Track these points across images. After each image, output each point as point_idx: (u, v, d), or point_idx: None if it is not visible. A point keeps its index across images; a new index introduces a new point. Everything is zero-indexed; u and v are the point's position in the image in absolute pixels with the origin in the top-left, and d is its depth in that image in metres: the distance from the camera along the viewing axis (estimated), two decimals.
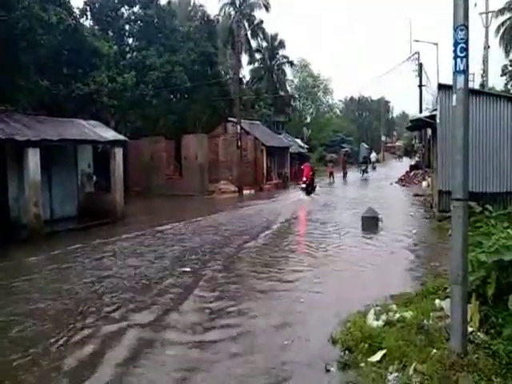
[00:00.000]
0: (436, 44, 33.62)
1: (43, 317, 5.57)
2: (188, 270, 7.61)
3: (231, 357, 4.32)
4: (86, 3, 24.12)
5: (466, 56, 3.62)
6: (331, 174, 27.27)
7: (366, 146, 60.69)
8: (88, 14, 24.17)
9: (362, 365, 3.82)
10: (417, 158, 33.99)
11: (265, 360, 4.23)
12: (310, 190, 19.24)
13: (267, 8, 39.01)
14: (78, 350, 4.57)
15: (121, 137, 14.68)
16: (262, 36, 41.06)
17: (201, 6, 33.86)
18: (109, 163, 13.80)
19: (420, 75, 28.48)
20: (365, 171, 32.08)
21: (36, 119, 12.72)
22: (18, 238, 10.85)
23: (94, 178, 15.20)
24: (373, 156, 40.06)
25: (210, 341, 4.70)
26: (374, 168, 36.84)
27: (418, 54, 29.42)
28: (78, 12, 21.00)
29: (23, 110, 15.73)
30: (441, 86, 11.09)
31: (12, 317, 5.57)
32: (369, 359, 3.87)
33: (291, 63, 43.74)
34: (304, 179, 19.25)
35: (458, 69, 3.68)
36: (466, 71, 3.64)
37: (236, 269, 7.78)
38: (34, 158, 10.99)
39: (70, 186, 14.05)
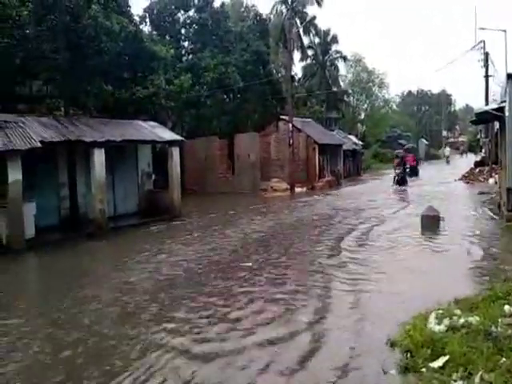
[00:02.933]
0: (504, 31, 30.89)
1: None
2: None
3: None
4: (145, 10, 25.35)
5: None
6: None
7: (426, 142, 57.96)
8: (147, 20, 25.39)
9: (423, 370, 3.67)
10: (482, 154, 31.68)
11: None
12: (412, 174, 25.60)
13: (319, 3, 38.41)
14: None
15: (178, 137, 15.24)
16: (314, 32, 40.51)
17: (253, 6, 34.36)
18: (166, 162, 14.40)
19: (486, 65, 26.50)
20: (400, 179, 21.77)
21: (101, 121, 13.59)
22: (86, 232, 11.69)
23: (153, 176, 15.93)
24: (447, 150, 44.96)
25: None
26: (447, 162, 40.38)
27: (484, 42, 27.39)
28: (137, 19, 22.15)
29: (89, 113, 16.91)
30: (510, 76, 10.28)
31: None
32: (430, 364, 3.70)
33: (344, 58, 42.73)
34: (408, 165, 25.23)
35: None
36: None
37: None
38: (99, 158, 11.76)
39: (131, 184, 14.86)
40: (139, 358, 4.38)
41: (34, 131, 10.51)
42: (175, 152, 14.27)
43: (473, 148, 53.48)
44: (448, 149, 47.05)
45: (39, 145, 10.00)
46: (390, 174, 26.64)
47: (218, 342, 4.69)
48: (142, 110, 18.72)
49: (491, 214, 12.09)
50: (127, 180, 14.68)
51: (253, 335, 4.81)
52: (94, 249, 10.41)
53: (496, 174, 19.34)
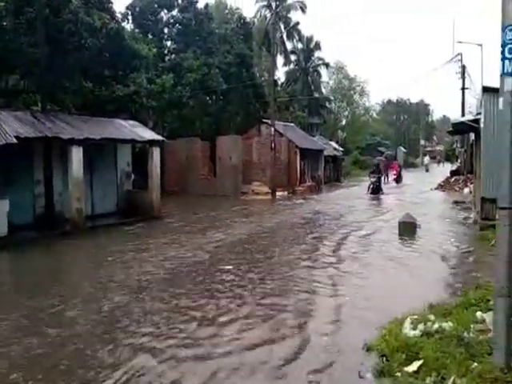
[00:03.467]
0: (480, 45, 32.05)
1: None
2: None
3: None
4: (127, 8, 25.02)
5: None
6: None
7: (404, 150, 59.42)
8: (129, 17, 25.05)
9: (398, 374, 3.73)
10: (458, 164, 32.69)
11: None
12: (398, 180, 28.42)
13: (303, 10, 38.92)
14: None
15: (158, 137, 15.07)
16: (297, 38, 40.99)
17: (237, 8, 34.30)
18: (146, 162, 14.21)
19: (463, 77, 27.36)
20: (375, 187, 21.21)
21: (80, 119, 13.30)
22: (62, 231, 11.39)
23: (133, 176, 15.69)
24: (426, 159, 47.71)
25: None
26: (427, 170, 42.47)
27: (461, 55, 28.29)
28: (120, 16, 21.80)
29: (68, 110, 16.51)
30: (485, 89, 10.62)
31: None
32: (405, 368, 3.76)
33: (327, 65, 43.33)
34: (394, 172, 29.05)
35: (505, 71, 3.53)
36: None
37: None
38: (77, 156, 11.51)
39: (110, 184, 14.59)
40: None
41: (10, 126, 10.19)
42: (155, 152, 14.10)
43: (449, 157, 55.07)
44: (427, 157, 49.51)
45: (14, 140, 9.70)
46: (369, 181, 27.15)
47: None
48: (122, 109, 18.40)
49: (466, 223, 12.43)
50: (106, 179, 14.40)
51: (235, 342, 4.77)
52: (69, 248, 10.14)
53: (471, 183, 19.93)
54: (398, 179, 28.46)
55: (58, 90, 15.86)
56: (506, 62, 3.53)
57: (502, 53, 3.54)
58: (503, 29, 3.53)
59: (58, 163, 12.42)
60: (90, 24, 15.24)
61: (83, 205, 11.82)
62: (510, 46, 3.50)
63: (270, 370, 4.09)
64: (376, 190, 21.20)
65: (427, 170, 42.39)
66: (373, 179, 21.53)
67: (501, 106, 3.57)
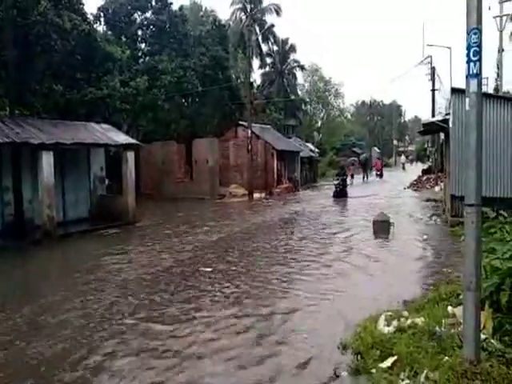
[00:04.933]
0: (449, 48, 33.47)
1: None
2: None
3: None
4: (99, 9, 24.56)
5: (480, 60, 3.57)
6: (352, 175, 29.07)
7: (378, 151, 60.76)
8: (102, 19, 24.60)
9: (373, 371, 3.78)
10: (429, 163, 33.87)
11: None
12: (380, 175, 32.63)
13: (278, 12, 39.22)
14: None
15: (133, 140, 14.83)
16: (272, 40, 41.28)
17: (212, 11, 34.31)
18: (121, 166, 13.95)
19: (433, 79, 28.26)
20: (339, 190, 19.78)
21: (50, 123, 12.94)
22: (32, 239, 11.02)
23: (107, 181, 15.36)
24: (403, 159, 50.77)
25: None
26: (403, 169, 44.71)
27: (431, 57, 29.22)
28: (91, 18, 21.41)
29: (38, 114, 16.06)
30: (454, 90, 10.98)
31: None
32: (379, 365, 3.82)
33: (302, 67, 43.84)
34: (378, 168, 33.10)
35: (471, 72, 3.64)
36: (479, 75, 3.59)
37: None
38: (47, 161, 11.17)
39: (82, 189, 14.25)
40: None
41: None
42: (130, 156, 13.86)
43: (421, 157, 56.65)
44: (403, 157, 52.88)
45: None
46: (356, 178, 28.95)
47: None
48: (95, 112, 18.07)
49: (437, 220, 12.78)
50: (78, 184, 14.06)
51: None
52: (39, 258, 9.75)
53: (441, 181, 20.55)
54: (381, 175, 32.56)
55: (27, 94, 15.42)
56: (471, 64, 3.63)
57: (468, 55, 3.64)
58: (468, 32, 3.64)
59: (28, 169, 12.04)
60: (60, 25, 14.91)
61: (54, 212, 11.47)
62: (474, 48, 3.61)
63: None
64: (340, 193, 19.67)
65: (404, 169, 44.66)
66: (336, 182, 20.18)
67: (467, 107, 3.68)
